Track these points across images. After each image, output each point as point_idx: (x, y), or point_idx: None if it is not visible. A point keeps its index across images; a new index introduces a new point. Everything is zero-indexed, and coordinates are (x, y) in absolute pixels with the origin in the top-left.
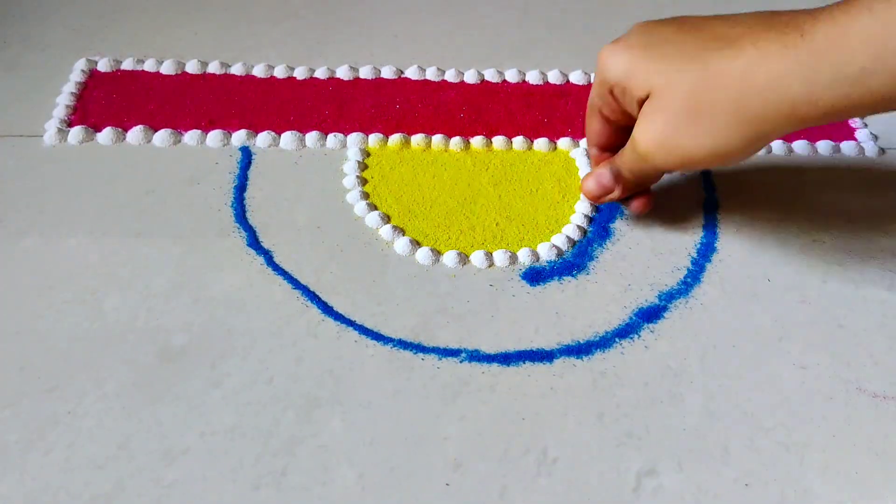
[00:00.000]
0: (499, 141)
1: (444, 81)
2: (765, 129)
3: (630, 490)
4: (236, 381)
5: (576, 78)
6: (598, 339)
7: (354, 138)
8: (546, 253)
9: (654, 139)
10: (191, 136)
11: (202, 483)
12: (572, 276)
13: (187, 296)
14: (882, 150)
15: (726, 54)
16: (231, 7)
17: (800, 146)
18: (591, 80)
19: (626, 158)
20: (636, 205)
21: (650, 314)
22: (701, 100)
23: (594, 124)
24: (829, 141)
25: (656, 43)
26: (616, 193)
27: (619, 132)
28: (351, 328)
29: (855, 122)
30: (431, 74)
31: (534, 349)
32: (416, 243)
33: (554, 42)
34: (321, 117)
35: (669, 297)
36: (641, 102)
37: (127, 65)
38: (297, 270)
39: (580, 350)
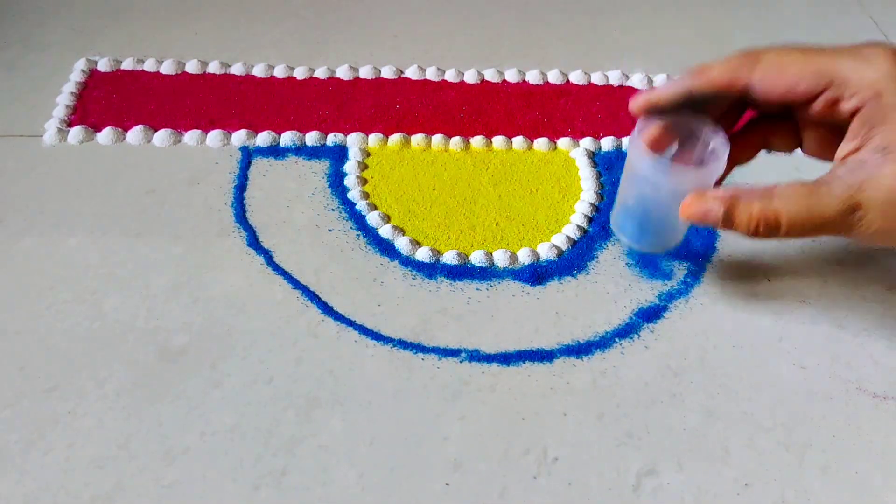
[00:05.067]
0: (499, 141)
1: (444, 81)
2: None
3: (630, 490)
4: (236, 381)
5: (576, 78)
6: (598, 339)
7: (354, 138)
8: (546, 253)
9: None
10: (191, 136)
11: (202, 483)
12: (572, 276)
13: (187, 296)
14: None
15: None
16: (231, 7)
17: None
18: (591, 81)
19: (803, 205)
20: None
21: (650, 314)
22: None
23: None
24: None
25: None
26: (741, 229)
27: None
28: (351, 328)
29: None
30: (431, 74)
31: (534, 349)
32: (416, 243)
33: (554, 42)
34: (321, 117)
35: (669, 297)
36: (870, 128)
37: (127, 65)
38: (297, 270)
39: (580, 350)
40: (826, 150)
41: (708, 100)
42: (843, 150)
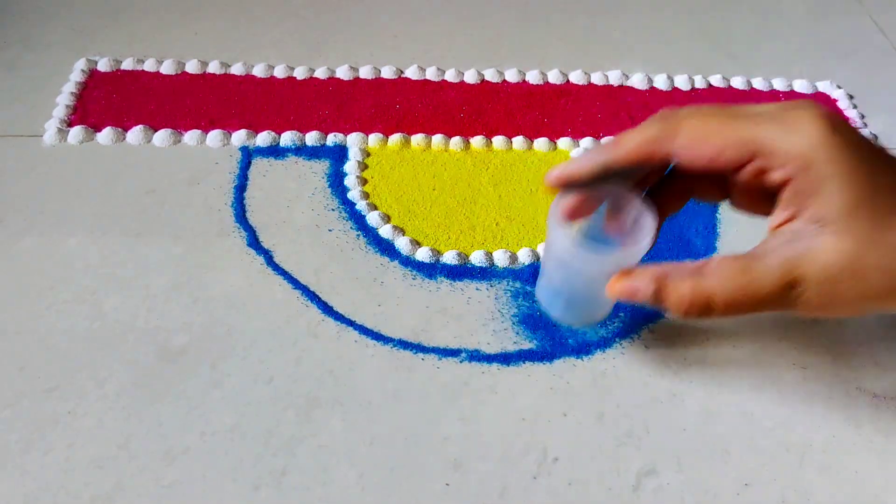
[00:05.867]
0: (499, 141)
1: (444, 81)
2: None
3: (630, 490)
4: (236, 381)
5: (576, 78)
6: (598, 339)
7: (354, 138)
8: None
9: (843, 257)
10: (191, 136)
11: (202, 483)
12: None
13: (187, 296)
14: None
15: None
16: (231, 7)
17: None
18: (591, 81)
19: (738, 283)
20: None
21: (650, 314)
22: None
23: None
24: None
25: (863, 144)
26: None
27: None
28: (351, 328)
29: (854, 121)
30: (431, 74)
31: (534, 349)
32: (416, 243)
33: (554, 42)
34: (321, 117)
35: None
36: (803, 198)
37: (127, 65)
38: (297, 270)
39: (580, 350)
40: (756, 208)
41: (630, 174)
42: (775, 219)
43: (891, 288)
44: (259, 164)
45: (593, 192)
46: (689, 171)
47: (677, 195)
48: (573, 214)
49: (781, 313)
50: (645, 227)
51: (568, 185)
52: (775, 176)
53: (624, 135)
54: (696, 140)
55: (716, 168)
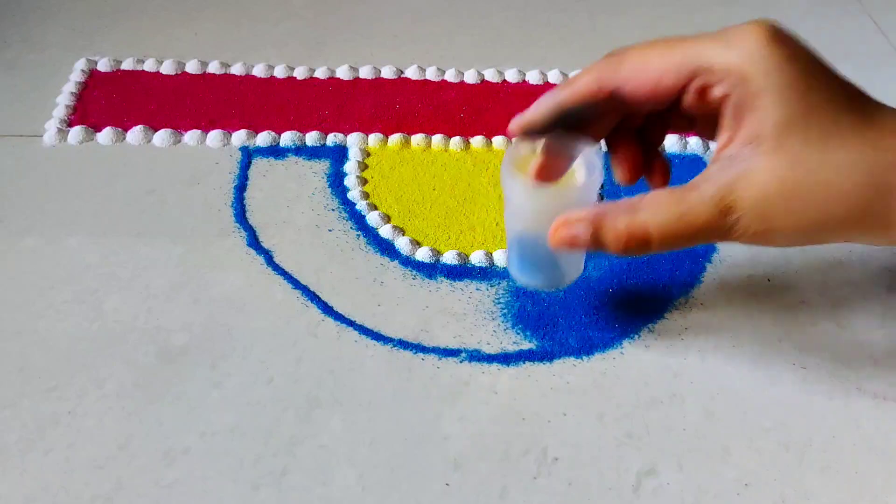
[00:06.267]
0: (499, 141)
1: (444, 81)
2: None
3: (630, 490)
4: (236, 381)
5: None
6: (598, 339)
7: (354, 138)
8: None
9: (777, 178)
10: (191, 136)
11: (202, 483)
12: None
13: (187, 296)
14: None
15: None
16: (231, 7)
17: None
18: None
19: (672, 214)
20: (655, 180)
21: (650, 314)
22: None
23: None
24: None
25: (799, 51)
26: (616, 248)
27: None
28: (351, 328)
29: None
30: (431, 74)
31: (534, 349)
32: (416, 243)
33: (554, 42)
34: (321, 117)
35: (670, 297)
36: (740, 117)
37: (127, 65)
38: (297, 270)
39: (580, 350)
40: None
41: (583, 113)
42: (719, 142)
43: (830, 211)
44: (259, 164)
45: (548, 138)
46: (639, 107)
47: (657, 130)
48: (544, 175)
49: (781, 314)
50: (591, 166)
51: (528, 132)
52: (716, 92)
53: (574, 76)
54: (637, 69)
55: (661, 95)
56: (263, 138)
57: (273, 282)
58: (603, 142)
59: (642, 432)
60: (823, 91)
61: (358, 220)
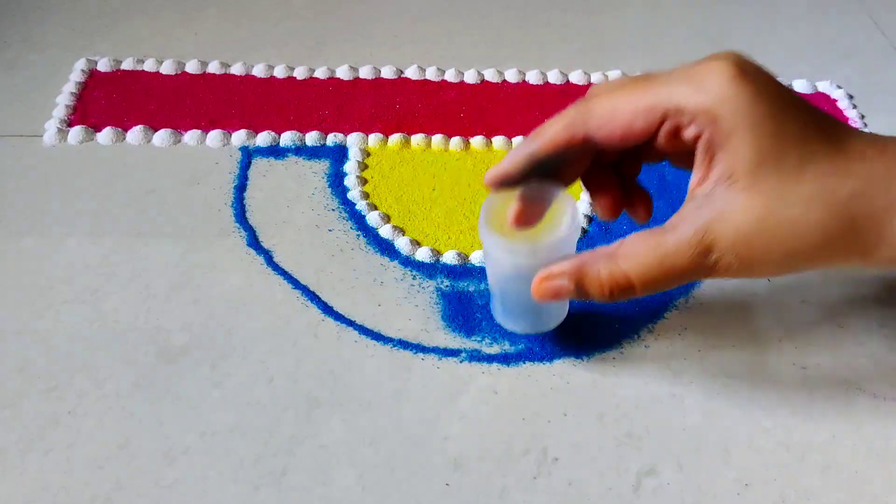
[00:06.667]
0: (499, 141)
1: (444, 81)
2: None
3: (630, 490)
4: (236, 381)
5: (576, 78)
6: (598, 338)
7: (354, 138)
8: None
9: (753, 215)
10: (191, 136)
11: (202, 483)
12: None
13: (187, 296)
14: None
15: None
16: (231, 7)
17: None
18: (591, 81)
19: (652, 260)
20: (638, 214)
21: (650, 314)
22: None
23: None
24: None
25: (772, 85)
26: (599, 295)
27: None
28: (351, 328)
29: (853, 121)
30: (431, 74)
31: (534, 349)
32: (416, 243)
33: (554, 42)
34: (321, 117)
35: (669, 297)
36: (713, 155)
37: (127, 65)
38: (297, 270)
39: (580, 350)
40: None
41: (556, 161)
42: (693, 181)
43: (807, 243)
44: (259, 164)
45: (523, 188)
46: (610, 148)
47: (632, 164)
48: (522, 220)
49: (781, 314)
50: (561, 216)
51: (502, 184)
52: (687, 133)
53: (544, 125)
54: (607, 115)
55: (633, 139)
56: (263, 138)
57: (273, 282)
58: (581, 183)
59: (642, 432)
60: (793, 123)
61: (358, 220)
